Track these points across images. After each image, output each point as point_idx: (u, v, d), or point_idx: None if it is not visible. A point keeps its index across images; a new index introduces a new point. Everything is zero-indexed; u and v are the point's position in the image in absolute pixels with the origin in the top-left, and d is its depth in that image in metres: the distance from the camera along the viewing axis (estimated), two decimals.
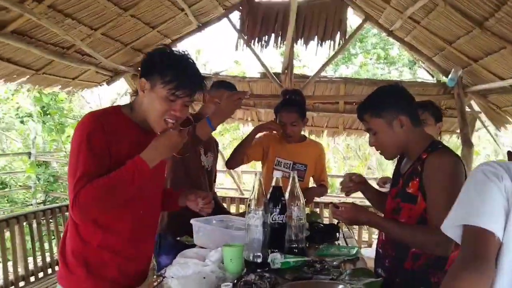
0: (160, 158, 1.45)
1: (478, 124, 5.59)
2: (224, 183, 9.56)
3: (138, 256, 1.57)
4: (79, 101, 11.75)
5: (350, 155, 13.89)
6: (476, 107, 5.29)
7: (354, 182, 1.92)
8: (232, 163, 2.83)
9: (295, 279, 1.46)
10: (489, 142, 11.67)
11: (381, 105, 1.67)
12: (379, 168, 12.82)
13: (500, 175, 1.04)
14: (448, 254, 1.50)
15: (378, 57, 13.21)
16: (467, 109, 5.11)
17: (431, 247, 1.51)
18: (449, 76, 4.68)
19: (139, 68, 1.57)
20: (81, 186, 1.33)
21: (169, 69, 1.41)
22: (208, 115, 2.35)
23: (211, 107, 2.36)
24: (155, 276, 1.54)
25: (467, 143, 4.68)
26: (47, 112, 7.77)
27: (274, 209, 1.70)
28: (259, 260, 1.56)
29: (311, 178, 2.97)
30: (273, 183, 1.75)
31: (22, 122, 8.96)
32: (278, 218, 1.71)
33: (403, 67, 13.08)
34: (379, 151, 1.77)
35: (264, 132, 2.90)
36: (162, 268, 1.66)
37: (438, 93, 5.17)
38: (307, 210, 2.63)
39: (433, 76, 6.62)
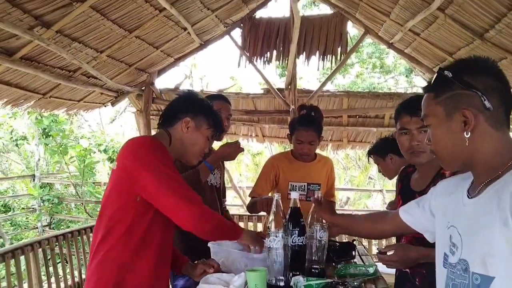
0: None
1: None
2: (226, 199, 9.45)
3: None
4: (77, 121, 11.73)
5: (350, 165, 13.87)
6: None
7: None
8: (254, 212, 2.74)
9: None
10: None
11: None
12: (380, 178, 12.80)
13: None
14: None
15: (373, 66, 13.30)
16: None
17: None
18: None
19: (177, 106, 1.77)
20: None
21: (211, 115, 1.77)
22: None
23: None
24: None
25: None
26: (49, 134, 7.79)
27: (294, 231, 1.69)
28: (282, 284, 1.57)
29: None
30: (291, 204, 1.75)
31: (17, 145, 8.96)
32: (298, 240, 1.70)
33: (399, 76, 13.16)
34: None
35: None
36: None
37: None
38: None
39: None
